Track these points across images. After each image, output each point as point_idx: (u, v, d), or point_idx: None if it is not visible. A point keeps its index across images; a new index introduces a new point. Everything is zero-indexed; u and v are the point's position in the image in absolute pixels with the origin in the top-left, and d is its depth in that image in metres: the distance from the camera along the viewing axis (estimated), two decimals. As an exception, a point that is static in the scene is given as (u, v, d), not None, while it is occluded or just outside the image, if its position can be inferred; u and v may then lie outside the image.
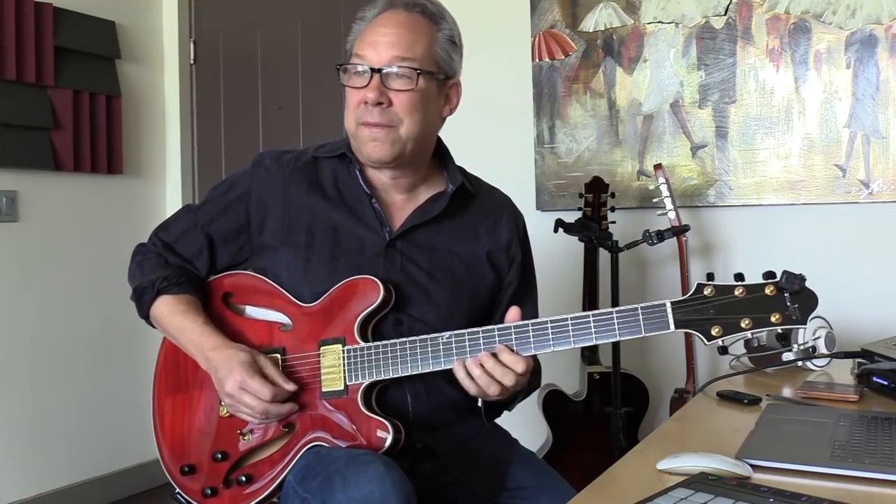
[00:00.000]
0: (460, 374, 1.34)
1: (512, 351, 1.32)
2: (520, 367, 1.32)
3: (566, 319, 1.31)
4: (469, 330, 1.35)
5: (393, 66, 1.42)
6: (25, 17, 3.00)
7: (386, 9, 1.47)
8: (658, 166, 2.56)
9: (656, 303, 1.27)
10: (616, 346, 2.37)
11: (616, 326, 1.28)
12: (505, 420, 1.63)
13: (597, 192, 2.59)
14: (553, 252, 2.72)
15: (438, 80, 1.48)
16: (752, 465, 1.09)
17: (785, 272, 1.23)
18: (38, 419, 3.11)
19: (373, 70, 1.42)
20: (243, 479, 1.43)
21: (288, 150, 1.60)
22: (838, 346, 1.76)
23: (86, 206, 3.30)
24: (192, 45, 3.68)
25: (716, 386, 1.59)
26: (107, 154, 3.30)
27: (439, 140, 1.59)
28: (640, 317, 1.27)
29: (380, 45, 1.43)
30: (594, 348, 2.63)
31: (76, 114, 3.17)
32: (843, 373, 1.70)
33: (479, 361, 1.32)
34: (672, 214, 2.49)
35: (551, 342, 1.32)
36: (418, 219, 1.52)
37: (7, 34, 2.94)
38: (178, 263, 1.54)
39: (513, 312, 1.36)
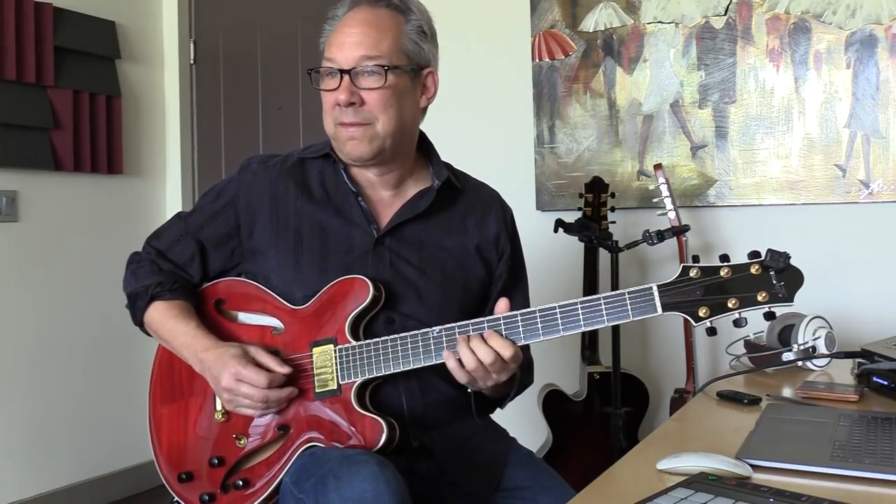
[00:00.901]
0: (450, 363, 1.34)
1: (500, 336, 1.33)
2: (507, 352, 1.32)
3: (554, 308, 1.31)
4: (459, 323, 1.36)
5: (360, 66, 1.43)
6: (25, 17, 3.00)
7: (352, 7, 1.47)
8: (658, 166, 2.56)
9: (643, 286, 1.27)
10: (616, 345, 2.37)
11: (604, 312, 1.29)
12: (504, 420, 1.63)
13: (597, 192, 2.59)
14: (553, 252, 2.72)
15: (410, 72, 1.48)
16: (752, 465, 1.09)
17: (769, 250, 1.23)
18: (38, 419, 3.11)
19: (342, 71, 1.43)
20: (240, 483, 1.43)
21: (275, 154, 1.61)
22: (838, 346, 1.76)
23: (86, 206, 3.30)
24: (192, 45, 3.68)
25: (716, 386, 1.59)
26: (107, 154, 3.30)
27: (423, 135, 1.59)
28: (628, 301, 1.28)
29: (346, 45, 1.44)
30: (594, 348, 2.64)
31: (76, 114, 3.17)
32: (843, 373, 1.70)
33: (468, 341, 1.33)
34: (672, 214, 2.49)
35: (540, 331, 1.32)
36: (405, 215, 1.52)
37: (7, 34, 2.94)
38: (172, 270, 1.55)
39: (501, 304, 1.36)
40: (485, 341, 1.32)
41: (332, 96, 1.45)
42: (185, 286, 1.54)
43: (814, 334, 1.73)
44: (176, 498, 1.49)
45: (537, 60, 2.95)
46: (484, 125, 3.05)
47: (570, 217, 2.45)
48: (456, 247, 1.55)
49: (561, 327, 1.31)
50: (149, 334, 1.57)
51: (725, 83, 2.69)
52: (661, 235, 2.35)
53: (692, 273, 1.25)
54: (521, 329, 1.33)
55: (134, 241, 1.64)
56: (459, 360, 1.34)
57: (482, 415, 1.54)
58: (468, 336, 1.33)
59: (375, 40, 1.44)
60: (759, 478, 1.06)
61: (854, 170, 2.54)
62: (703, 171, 2.73)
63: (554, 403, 2.57)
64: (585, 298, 1.30)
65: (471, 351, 1.32)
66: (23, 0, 2.99)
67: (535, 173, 2.96)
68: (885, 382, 1.50)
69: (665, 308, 1.26)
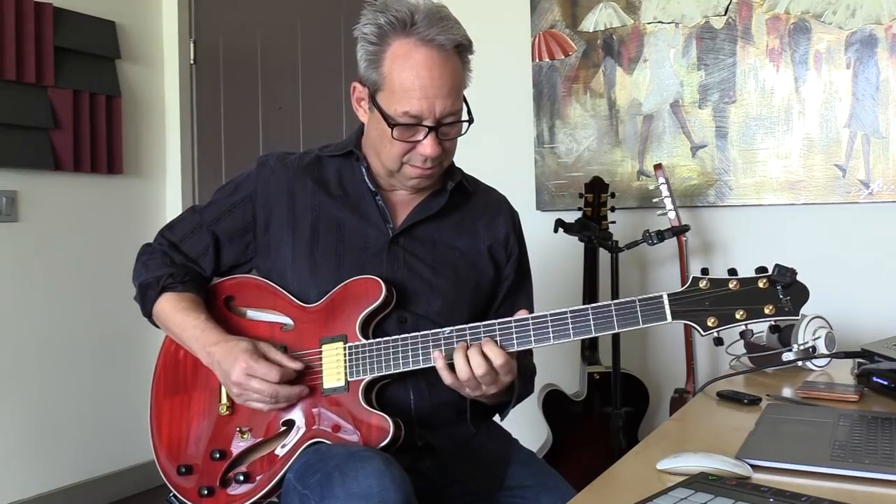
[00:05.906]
0: (438, 363, 1.35)
1: (496, 344, 1.33)
2: (498, 360, 1.32)
3: (565, 313, 1.33)
4: (470, 325, 1.37)
5: (444, 119, 1.43)
6: (25, 17, 3.00)
7: (423, 43, 1.41)
8: (658, 166, 2.56)
9: (653, 295, 1.29)
10: (616, 346, 2.37)
11: (614, 319, 1.31)
12: (504, 420, 1.63)
13: (597, 192, 2.59)
14: (553, 252, 2.72)
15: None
16: (752, 465, 1.09)
17: (777, 266, 1.26)
18: (39, 419, 3.11)
19: (430, 128, 1.42)
20: (241, 477, 1.43)
21: (291, 152, 1.62)
22: (838, 346, 1.76)
23: (86, 206, 3.30)
24: (192, 45, 3.68)
25: (716, 386, 1.59)
26: (107, 154, 3.30)
27: None
28: (638, 309, 1.30)
29: (430, 99, 1.41)
30: (594, 348, 2.64)
31: (76, 114, 3.17)
32: (843, 373, 1.70)
33: (464, 349, 1.34)
34: (672, 214, 2.49)
35: (551, 336, 1.33)
36: (419, 215, 1.54)
37: (7, 34, 2.94)
38: (183, 262, 1.56)
39: (522, 314, 1.37)
40: (480, 350, 1.33)
41: (411, 143, 1.44)
42: (196, 279, 1.54)
43: (814, 334, 1.73)
44: (173, 492, 1.49)
45: (537, 60, 2.95)
46: (484, 125, 3.03)
47: (570, 217, 2.45)
48: (467, 247, 1.57)
49: (571, 332, 1.32)
50: (157, 326, 1.57)
51: (725, 83, 2.69)
52: (661, 235, 2.36)
53: (702, 284, 1.28)
54: (531, 333, 1.34)
55: (134, 240, 1.64)
56: (450, 364, 1.34)
57: (476, 422, 1.55)
58: (467, 344, 1.34)
59: (457, 92, 1.44)
60: (759, 478, 1.06)
61: (854, 170, 2.54)
62: (703, 171, 2.73)
63: (554, 403, 2.57)
64: (596, 304, 1.32)
65: (465, 360, 1.33)
66: (23, 0, 2.99)
67: (535, 173, 2.96)
68: (885, 382, 1.50)
69: (675, 316, 1.28)
